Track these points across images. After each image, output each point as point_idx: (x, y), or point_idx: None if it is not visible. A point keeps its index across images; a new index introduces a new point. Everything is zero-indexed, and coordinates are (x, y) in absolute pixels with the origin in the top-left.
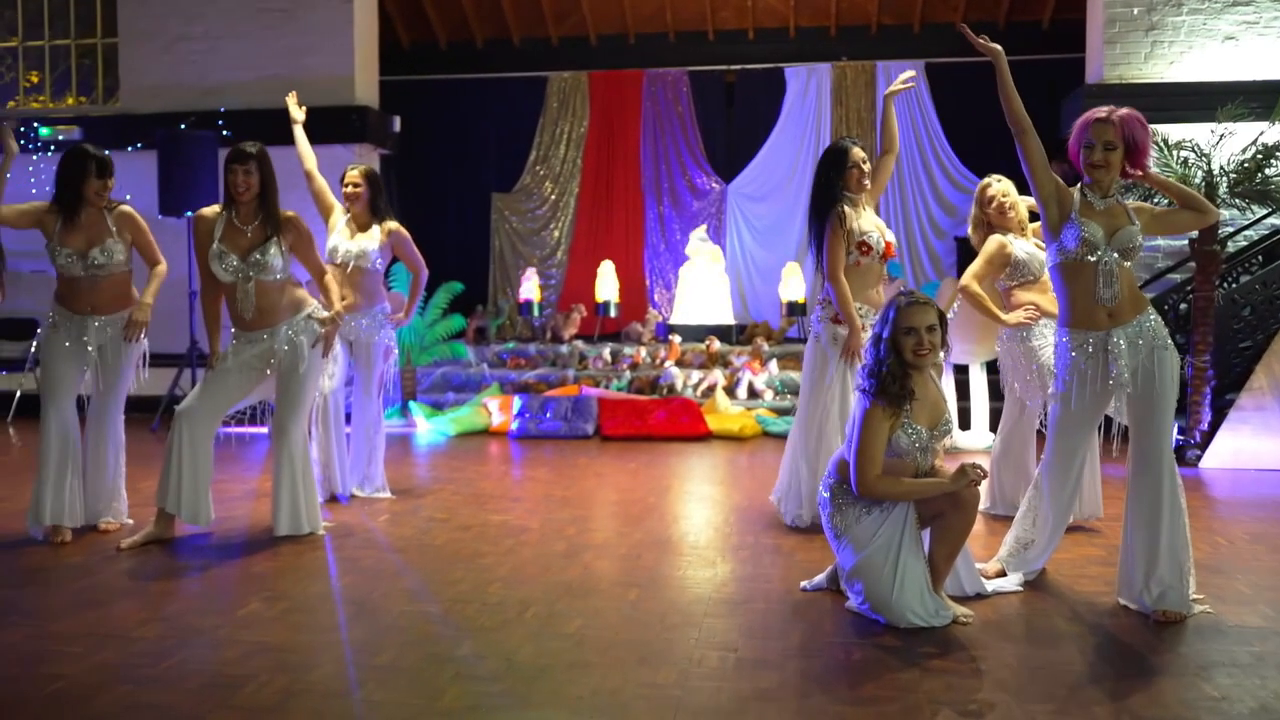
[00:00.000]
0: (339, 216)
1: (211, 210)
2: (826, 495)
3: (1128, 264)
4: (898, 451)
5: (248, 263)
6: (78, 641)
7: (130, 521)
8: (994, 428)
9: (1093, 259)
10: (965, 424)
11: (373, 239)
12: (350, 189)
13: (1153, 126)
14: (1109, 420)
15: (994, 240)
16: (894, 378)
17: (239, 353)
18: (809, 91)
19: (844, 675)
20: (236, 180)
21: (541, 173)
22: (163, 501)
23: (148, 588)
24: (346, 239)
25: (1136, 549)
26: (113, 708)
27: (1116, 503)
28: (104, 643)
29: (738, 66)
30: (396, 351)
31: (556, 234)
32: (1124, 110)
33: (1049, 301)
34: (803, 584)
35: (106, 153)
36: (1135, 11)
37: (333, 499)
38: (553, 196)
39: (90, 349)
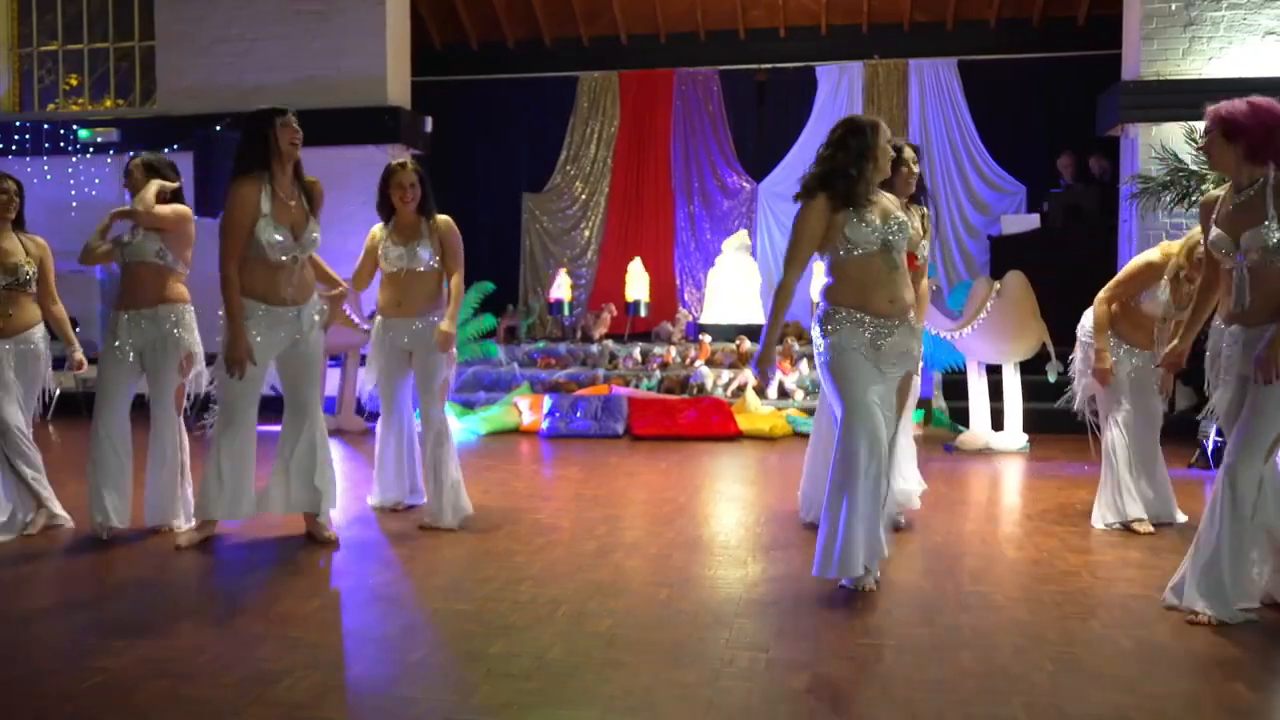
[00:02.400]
0: (378, 228)
1: (252, 180)
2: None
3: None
4: (857, 244)
5: (300, 241)
6: (118, 636)
7: (182, 524)
8: (1027, 428)
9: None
10: (999, 425)
11: (424, 240)
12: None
13: (1190, 124)
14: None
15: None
16: (849, 177)
17: (264, 334)
18: (840, 90)
19: (876, 677)
20: (290, 135)
21: (572, 172)
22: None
23: (184, 584)
24: (398, 244)
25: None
26: (153, 701)
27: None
28: (143, 637)
29: (769, 65)
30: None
31: (587, 233)
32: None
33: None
34: (842, 580)
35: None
36: (1173, 7)
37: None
38: (583, 196)
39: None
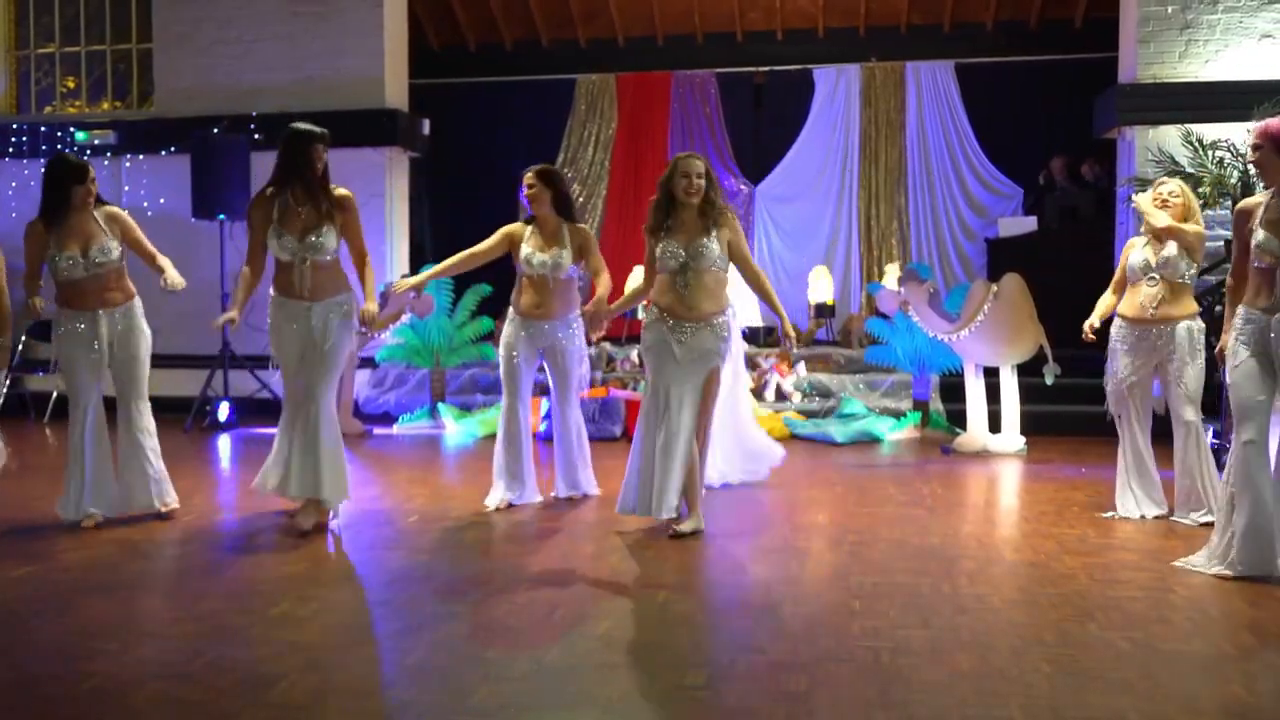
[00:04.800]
0: (520, 228)
1: (267, 192)
2: None
3: None
4: (661, 264)
5: (304, 244)
6: (113, 639)
7: (175, 505)
8: (1025, 431)
9: None
10: (995, 427)
11: (565, 246)
12: (530, 190)
13: (1187, 126)
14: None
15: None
16: (658, 209)
17: (284, 324)
18: (838, 93)
19: (873, 679)
20: (317, 156)
21: (569, 175)
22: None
23: (181, 587)
24: (538, 249)
25: None
26: (148, 703)
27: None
28: (139, 640)
29: (766, 68)
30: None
31: None
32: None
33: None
34: None
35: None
36: (1170, 10)
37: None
38: (580, 199)
39: (99, 344)
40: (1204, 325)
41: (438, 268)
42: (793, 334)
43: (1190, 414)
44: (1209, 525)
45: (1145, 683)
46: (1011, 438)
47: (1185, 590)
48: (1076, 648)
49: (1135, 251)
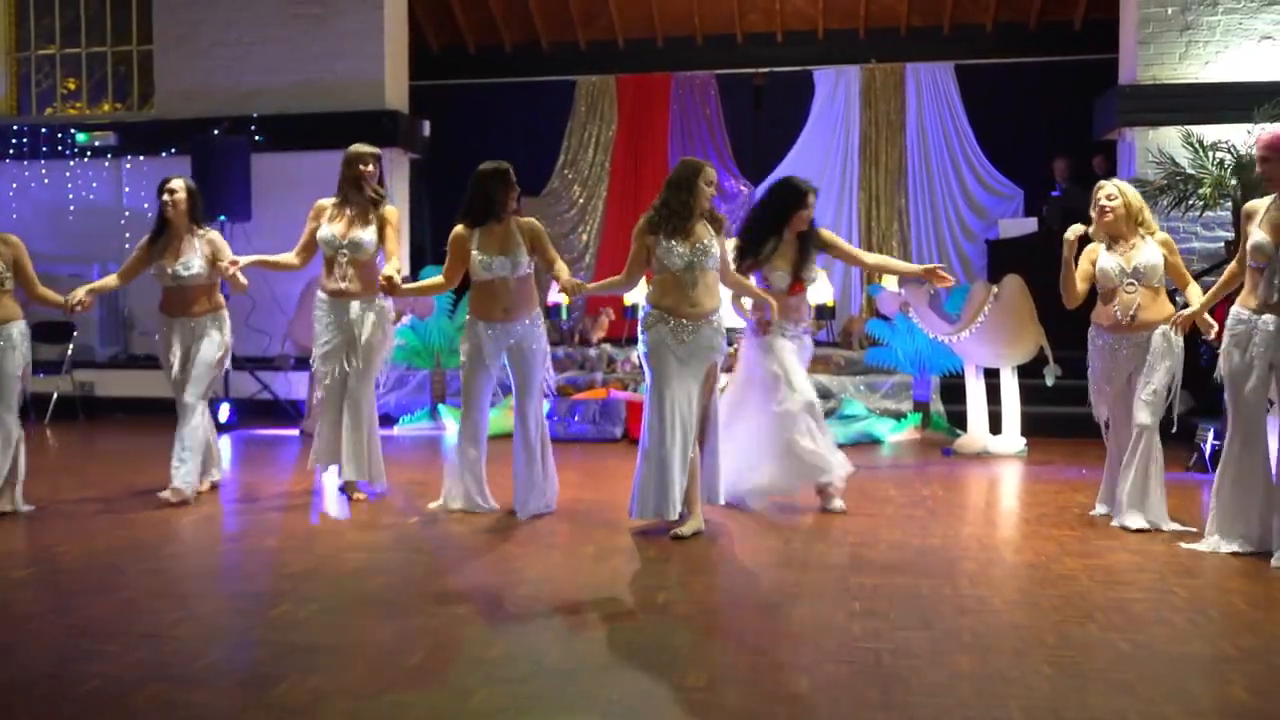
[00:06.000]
0: (464, 232)
1: (327, 201)
2: None
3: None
4: (665, 265)
5: (343, 241)
6: (113, 640)
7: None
8: (1025, 432)
9: None
10: (996, 429)
11: (519, 244)
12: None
13: (1188, 128)
14: None
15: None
16: (674, 214)
17: (332, 322)
18: (838, 94)
19: (875, 680)
20: (370, 171)
21: (570, 176)
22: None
23: (181, 588)
24: (490, 254)
25: None
26: (149, 705)
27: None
28: (139, 642)
29: (766, 69)
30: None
31: (585, 237)
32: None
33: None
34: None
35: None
36: (1169, 11)
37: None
38: (581, 200)
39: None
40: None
41: (424, 284)
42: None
43: (1146, 417)
44: (1141, 531)
45: (1146, 684)
46: (1012, 439)
47: (1186, 592)
48: (1078, 649)
49: (1103, 257)
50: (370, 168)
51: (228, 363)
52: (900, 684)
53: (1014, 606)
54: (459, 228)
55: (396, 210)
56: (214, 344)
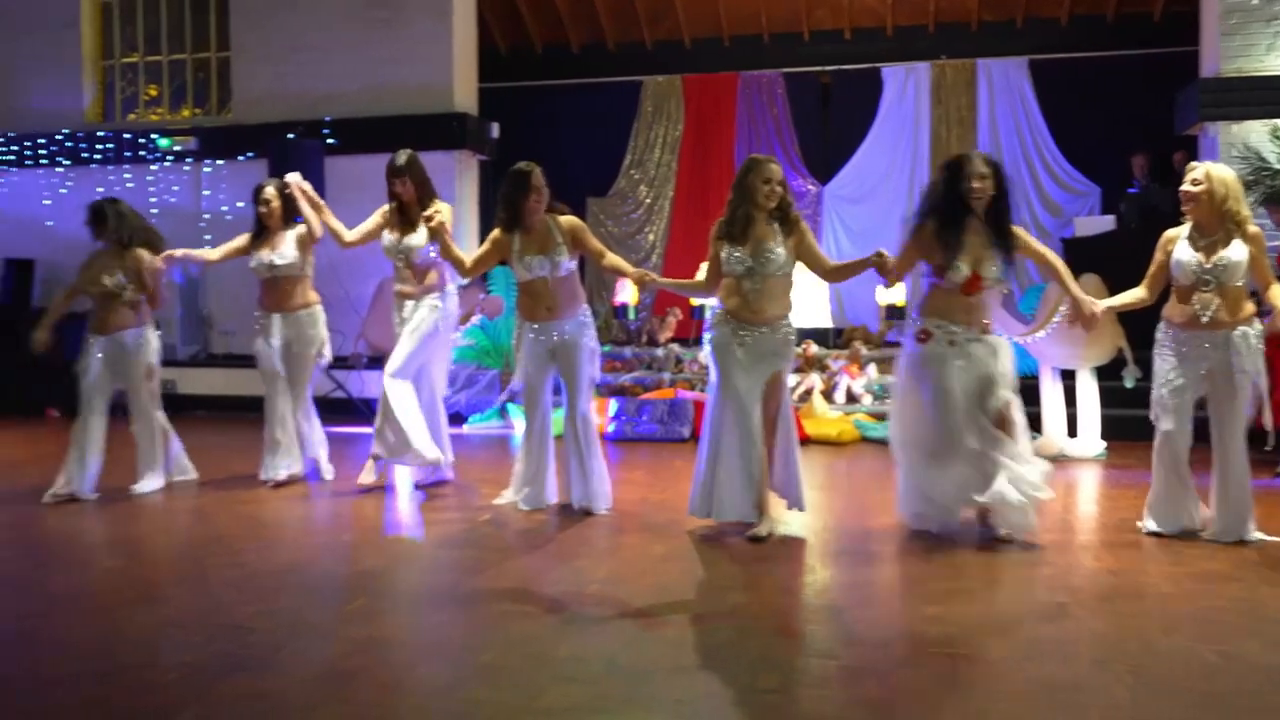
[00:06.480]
0: (503, 235)
1: (386, 208)
2: None
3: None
4: (727, 270)
5: (399, 245)
6: (198, 632)
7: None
8: (1105, 435)
9: None
10: (1073, 431)
11: (559, 242)
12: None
13: (1275, 122)
14: None
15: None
16: (733, 217)
17: (398, 317)
18: (907, 91)
19: (951, 687)
20: (395, 189)
21: (636, 176)
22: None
23: (261, 583)
24: (532, 253)
25: None
26: (232, 693)
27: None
28: (221, 633)
29: (833, 67)
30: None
31: (651, 237)
32: None
33: None
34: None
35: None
36: (1255, 1)
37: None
38: (648, 200)
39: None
40: (1261, 329)
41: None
42: (886, 261)
43: (1231, 424)
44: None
45: (1234, 697)
46: (1091, 442)
47: (1278, 603)
48: (1162, 659)
49: (1181, 248)
50: (397, 187)
51: (326, 357)
52: (978, 691)
53: (1094, 614)
54: (495, 231)
55: (447, 206)
56: (309, 341)
